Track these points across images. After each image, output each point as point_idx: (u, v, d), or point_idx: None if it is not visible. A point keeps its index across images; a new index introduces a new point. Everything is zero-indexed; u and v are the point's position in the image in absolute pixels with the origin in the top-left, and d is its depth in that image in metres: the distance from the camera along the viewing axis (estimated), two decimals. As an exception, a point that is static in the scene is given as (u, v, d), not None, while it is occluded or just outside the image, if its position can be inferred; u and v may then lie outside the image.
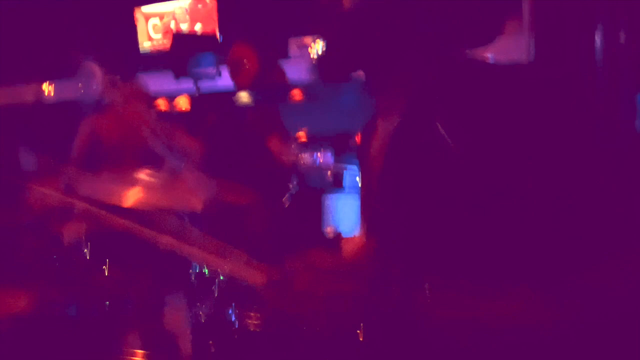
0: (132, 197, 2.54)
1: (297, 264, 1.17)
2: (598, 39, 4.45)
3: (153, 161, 3.56)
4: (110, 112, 4.09)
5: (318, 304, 1.13)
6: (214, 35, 6.48)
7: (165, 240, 1.59)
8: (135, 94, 4.19)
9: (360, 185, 1.39)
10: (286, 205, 3.14)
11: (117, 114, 4.05)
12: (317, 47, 1.29)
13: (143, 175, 2.59)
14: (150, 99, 4.36)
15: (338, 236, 4.21)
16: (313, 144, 6.18)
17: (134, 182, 2.57)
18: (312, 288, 1.14)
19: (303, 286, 1.15)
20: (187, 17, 7.08)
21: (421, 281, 1.09)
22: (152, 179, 2.61)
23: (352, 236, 1.44)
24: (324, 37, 1.30)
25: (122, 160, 3.75)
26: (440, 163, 1.09)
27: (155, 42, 7.24)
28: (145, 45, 7.28)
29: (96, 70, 6.87)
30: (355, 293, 1.12)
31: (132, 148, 3.87)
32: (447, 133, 1.08)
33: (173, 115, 6.63)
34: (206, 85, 5.51)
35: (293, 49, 6.34)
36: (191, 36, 6.20)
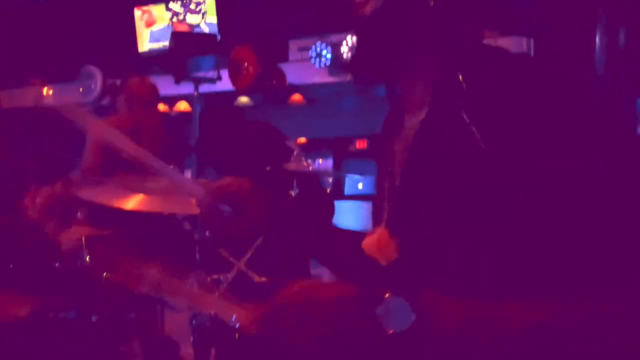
0: (134, 202, 2.54)
1: (285, 299, 1.11)
2: (598, 40, 4.45)
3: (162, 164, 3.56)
4: (120, 115, 4.09)
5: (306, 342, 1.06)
6: (214, 37, 6.48)
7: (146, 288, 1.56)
8: (142, 95, 4.20)
9: (377, 183, 1.39)
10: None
11: (126, 116, 4.05)
12: (346, 49, 1.27)
13: (146, 180, 2.59)
14: (157, 100, 4.38)
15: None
16: (313, 148, 6.17)
17: (136, 188, 2.57)
18: (299, 327, 1.06)
19: (290, 325, 1.07)
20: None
21: (443, 280, 1.09)
22: (155, 185, 2.60)
23: (369, 233, 1.44)
24: (356, 38, 1.29)
25: (133, 164, 3.74)
26: (466, 158, 1.09)
27: (154, 45, 7.24)
28: (144, 47, 7.27)
29: (96, 73, 6.89)
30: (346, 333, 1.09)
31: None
32: (472, 124, 1.08)
33: (173, 119, 6.64)
34: (206, 86, 5.52)
35: (293, 51, 6.33)
36: (191, 38, 6.20)
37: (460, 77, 1.12)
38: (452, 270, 1.12)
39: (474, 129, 1.07)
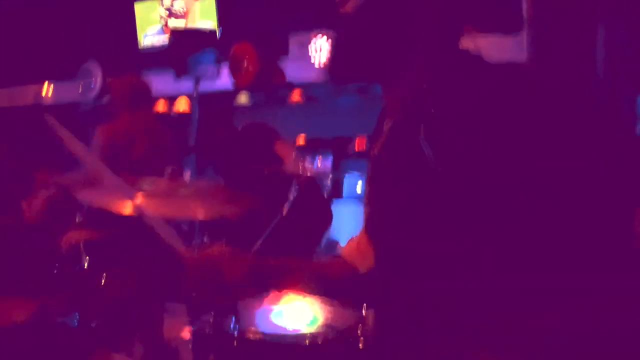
0: (133, 204, 2.54)
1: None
2: (598, 39, 4.44)
3: (164, 165, 3.58)
4: (123, 117, 4.05)
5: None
6: (214, 33, 6.47)
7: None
8: (125, 97, 4.16)
9: (365, 185, 1.40)
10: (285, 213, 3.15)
11: (129, 118, 4.02)
12: (325, 49, 1.28)
13: (145, 183, 2.59)
14: (145, 97, 4.33)
15: (334, 244, 4.21)
16: (312, 148, 6.16)
17: (135, 190, 2.58)
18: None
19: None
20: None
21: (419, 280, 1.10)
22: (154, 187, 2.61)
23: (350, 239, 1.44)
24: (335, 39, 1.29)
25: (137, 166, 3.75)
26: (430, 165, 1.09)
27: (154, 41, 7.22)
28: (144, 43, 7.25)
29: (96, 70, 6.88)
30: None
31: (147, 153, 3.87)
32: (439, 137, 1.08)
33: (173, 117, 6.63)
34: (206, 85, 5.49)
35: (293, 48, 6.31)
36: (191, 34, 6.19)
37: (426, 89, 1.12)
38: (415, 277, 1.12)
39: (428, 149, 1.07)
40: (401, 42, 1.21)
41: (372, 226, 1.30)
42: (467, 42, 1.22)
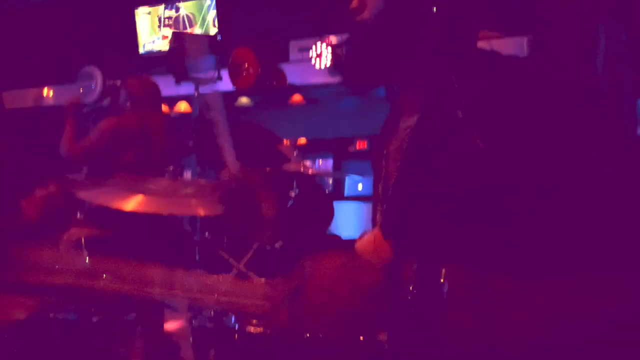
0: (134, 203, 2.54)
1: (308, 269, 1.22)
2: (599, 41, 4.45)
3: (165, 165, 3.60)
4: (130, 114, 4.09)
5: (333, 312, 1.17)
6: (215, 38, 6.48)
7: None
8: (145, 96, 4.20)
9: (374, 184, 1.39)
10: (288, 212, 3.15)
11: (136, 116, 4.06)
12: (325, 53, 1.28)
13: (146, 181, 2.59)
14: (160, 100, 4.39)
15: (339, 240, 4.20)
16: (313, 149, 6.17)
17: (136, 188, 2.58)
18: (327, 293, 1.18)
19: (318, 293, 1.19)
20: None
21: (439, 276, 1.10)
22: (155, 185, 2.61)
23: (363, 234, 1.44)
24: (350, 45, 1.30)
25: (139, 165, 3.79)
26: (462, 157, 1.09)
27: (155, 45, 7.24)
28: (145, 47, 7.27)
29: (96, 73, 6.90)
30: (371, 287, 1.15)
31: (149, 152, 3.91)
32: (468, 122, 1.09)
33: (173, 117, 6.64)
34: (207, 88, 5.51)
35: (294, 52, 6.33)
36: (192, 38, 6.20)
37: (454, 79, 1.13)
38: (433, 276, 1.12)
39: (471, 127, 1.08)
40: (415, 43, 1.23)
41: (390, 224, 1.29)
42: (483, 43, 1.24)
